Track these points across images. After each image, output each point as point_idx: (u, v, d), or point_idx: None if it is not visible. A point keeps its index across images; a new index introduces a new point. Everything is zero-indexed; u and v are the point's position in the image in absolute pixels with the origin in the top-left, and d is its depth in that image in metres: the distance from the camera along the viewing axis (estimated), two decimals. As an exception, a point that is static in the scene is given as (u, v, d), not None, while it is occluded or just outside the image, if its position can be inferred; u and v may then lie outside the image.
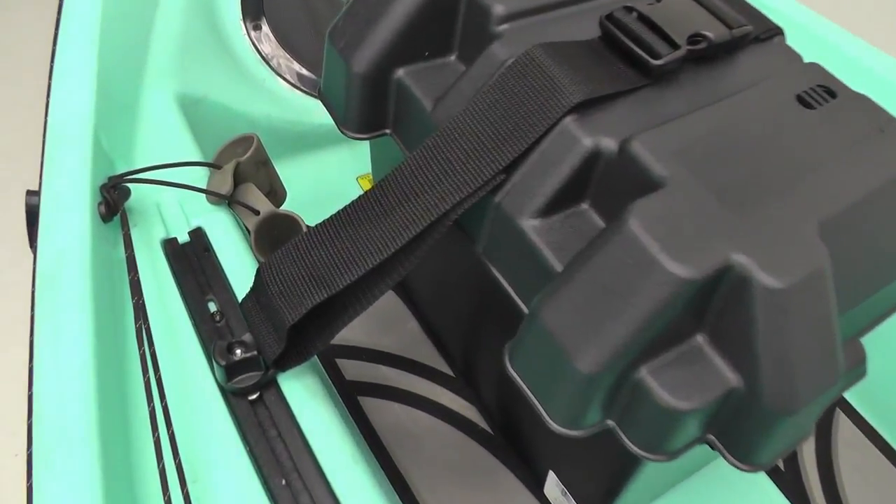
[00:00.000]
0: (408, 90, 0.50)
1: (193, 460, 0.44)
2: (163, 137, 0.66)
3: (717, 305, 0.37)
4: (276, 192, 0.64)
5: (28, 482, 0.39)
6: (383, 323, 0.72)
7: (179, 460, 0.43)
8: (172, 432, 0.44)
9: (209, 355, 0.48)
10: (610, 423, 0.40)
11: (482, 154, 0.43)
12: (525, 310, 0.44)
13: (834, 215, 0.39)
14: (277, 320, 0.44)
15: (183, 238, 0.56)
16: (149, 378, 0.47)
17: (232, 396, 0.46)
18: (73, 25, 0.65)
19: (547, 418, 0.40)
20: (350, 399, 0.67)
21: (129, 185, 0.56)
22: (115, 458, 0.42)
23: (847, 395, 0.72)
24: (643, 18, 0.45)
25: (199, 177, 0.60)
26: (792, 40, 0.52)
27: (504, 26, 0.48)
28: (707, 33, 0.46)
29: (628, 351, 0.36)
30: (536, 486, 0.62)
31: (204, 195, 0.58)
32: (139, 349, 0.48)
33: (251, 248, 0.57)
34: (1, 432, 1.00)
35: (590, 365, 0.36)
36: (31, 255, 0.50)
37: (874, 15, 1.90)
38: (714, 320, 0.38)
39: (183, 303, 0.51)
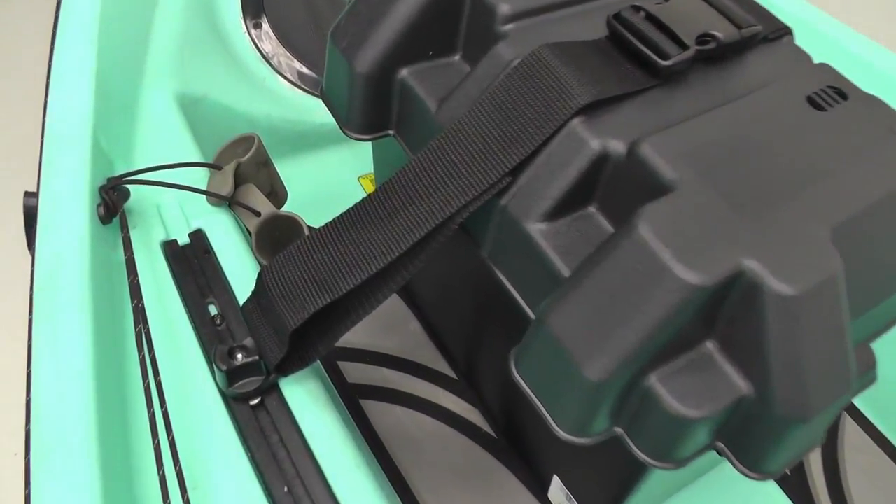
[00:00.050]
0: (411, 90, 0.49)
1: (194, 467, 0.43)
2: (162, 137, 0.65)
3: (727, 312, 0.36)
4: (276, 193, 0.63)
5: (26, 490, 0.39)
6: (385, 325, 0.72)
7: (180, 467, 0.43)
8: (173, 438, 0.44)
9: (210, 360, 0.47)
10: (618, 430, 0.40)
11: (488, 156, 0.42)
12: (531, 315, 0.43)
13: (846, 220, 0.38)
14: (279, 325, 0.44)
15: (183, 240, 0.55)
16: (149, 383, 0.46)
17: (233, 401, 0.46)
18: (72, 23, 0.64)
19: (553, 425, 0.40)
20: (352, 402, 0.66)
21: (128, 186, 0.55)
22: (115, 465, 0.42)
23: (854, 399, 0.71)
24: (651, 18, 0.44)
25: (200, 177, 0.59)
26: (799, 40, 0.51)
27: (510, 26, 0.47)
28: (716, 33, 0.45)
29: (637, 358, 0.36)
30: (540, 490, 0.61)
31: (204, 196, 0.58)
32: (139, 353, 0.47)
33: (252, 249, 0.56)
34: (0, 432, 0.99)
35: (598, 373, 0.36)
36: (29, 256, 0.49)
37: (882, 14, 1.89)
38: (724, 327, 0.37)
39: (183, 306, 0.51)
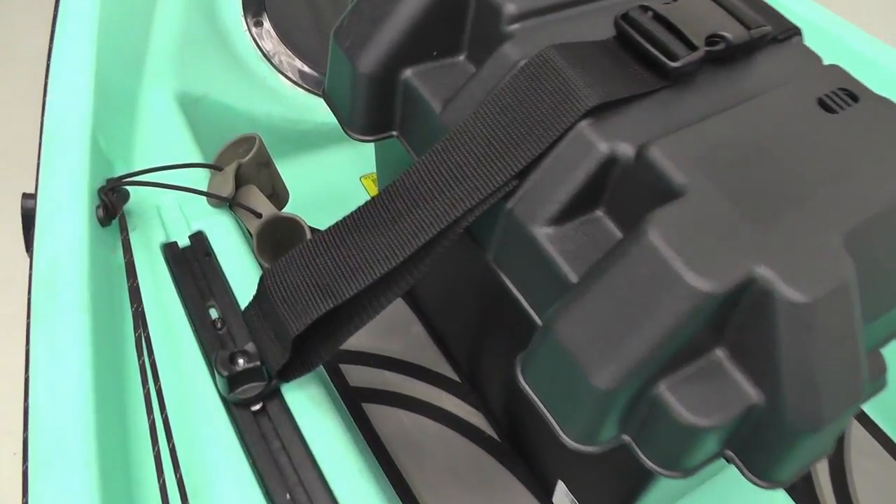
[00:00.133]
0: (415, 91, 0.49)
1: (195, 474, 0.42)
2: (162, 138, 0.64)
3: (738, 319, 0.36)
4: (278, 195, 0.62)
5: (24, 498, 0.38)
6: (388, 327, 0.71)
7: (180, 474, 0.42)
8: (173, 445, 0.43)
9: (211, 365, 0.46)
10: (626, 438, 0.39)
11: (494, 159, 0.41)
12: (538, 320, 0.42)
13: (859, 225, 0.38)
14: (281, 330, 0.43)
15: (183, 242, 0.54)
16: (148, 389, 0.45)
17: (234, 407, 0.45)
18: (71, 21, 0.63)
19: (560, 433, 0.39)
20: (354, 406, 0.65)
21: (127, 187, 0.55)
22: (114, 473, 0.41)
23: (861, 403, 0.71)
24: (659, 18, 0.44)
25: (200, 178, 0.58)
26: (808, 41, 0.50)
27: (515, 26, 0.46)
28: (725, 34, 0.44)
29: (646, 366, 0.35)
30: (545, 495, 0.61)
31: (205, 198, 0.57)
32: (138, 358, 0.47)
33: (253, 251, 0.56)
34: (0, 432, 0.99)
35: (606, 381, 0.35)
36: (28, 258, 0.48)
37: (890, 15, 1.88)
38: (735, 334, 0.36)
39: (183, 309, 0.50)
